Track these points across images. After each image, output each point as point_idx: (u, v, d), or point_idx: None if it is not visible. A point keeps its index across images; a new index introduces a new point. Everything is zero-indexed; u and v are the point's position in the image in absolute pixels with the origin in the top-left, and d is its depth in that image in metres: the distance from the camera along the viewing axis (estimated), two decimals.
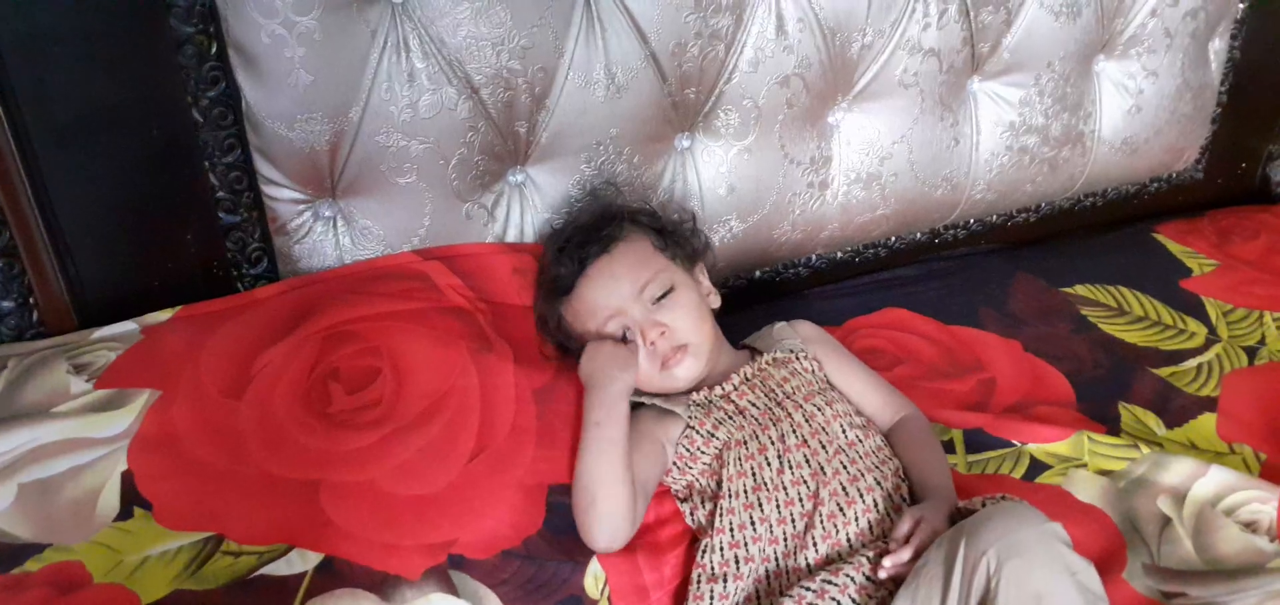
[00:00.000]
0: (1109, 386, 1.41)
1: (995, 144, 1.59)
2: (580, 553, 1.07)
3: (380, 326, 1.15)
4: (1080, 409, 1.37)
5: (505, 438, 1.11)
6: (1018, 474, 1.25)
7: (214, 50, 1.11)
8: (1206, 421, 1.36)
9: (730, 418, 1.15)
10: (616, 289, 1.17)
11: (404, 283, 1.21)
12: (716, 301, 1.26)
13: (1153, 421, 1.35)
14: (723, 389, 1.18)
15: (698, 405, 1.17)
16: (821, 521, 1.06)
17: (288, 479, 1.03)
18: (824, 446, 1.12)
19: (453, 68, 1.18)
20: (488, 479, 1.08)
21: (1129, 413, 1.36)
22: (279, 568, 0.97)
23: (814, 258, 1.58)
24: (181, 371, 1.09)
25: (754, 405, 1.17)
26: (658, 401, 1.18)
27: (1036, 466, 1.25)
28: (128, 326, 1.14)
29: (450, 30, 1.17)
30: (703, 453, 1.13)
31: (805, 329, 1.30)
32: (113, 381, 1.07)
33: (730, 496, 1.09)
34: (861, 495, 1.08)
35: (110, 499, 0.99)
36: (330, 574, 0.98)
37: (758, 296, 1.54)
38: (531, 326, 1.23)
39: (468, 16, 1.18)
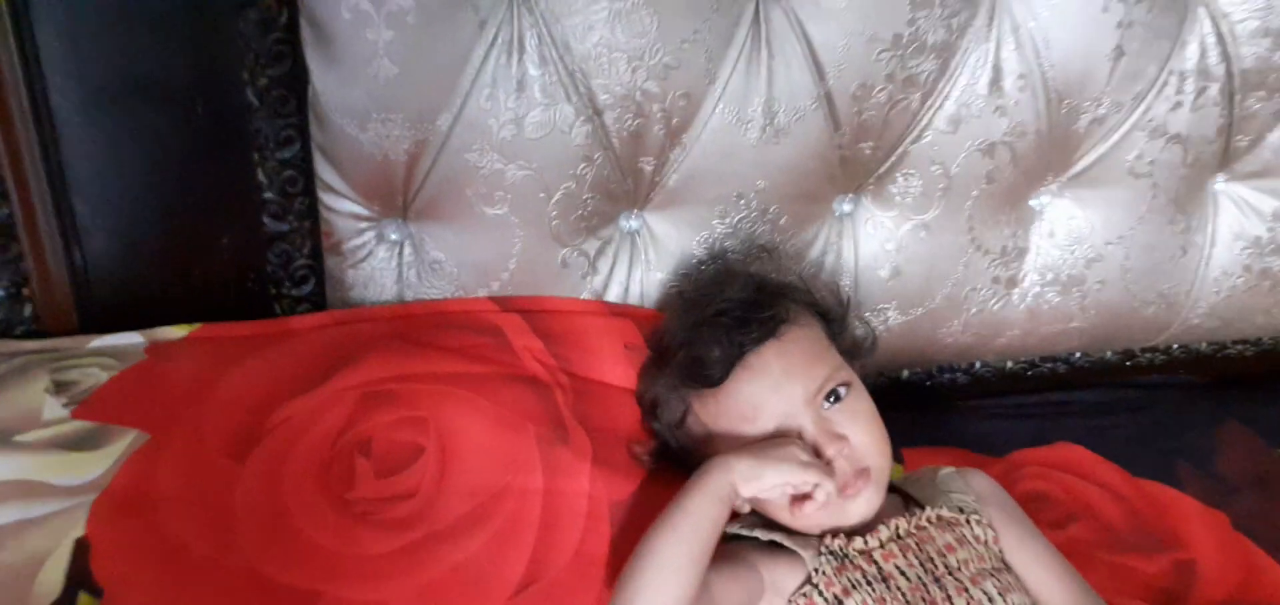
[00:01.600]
0: None
1: (1231, 261, 1.17)
2: None
3: (433, 392, 0.84)
4: None
5: (566, 566, 0.79)
6: None
7: (283, 19, 0.83)
8: None
9: (869, 583, 0.78)
10: (788, 386, 0.81)
11: (472, 337, 0.89)
12: None
13: None
14: (866, 542, 0.81)
15: (830, 555, 0.80)
16: None
17: (280, 584, 0.72)
18: None
19: (574, 81, 0.86)
20: None
21: None
22: None
23: (979, 365, 1.21)
24: (182, 412, 0.80)
25: (904, 574, 0.79)
26: (778, 537, 0.81)
27: None
28: (132, 339, 0.86)
29: (579, 34, 0.85)
30: None
31: (980, 483, 0.92)
32: (95, 412, 0.79)
33: None
34: None
35: (53, 575, 0.70)
36: None
37: (900, 400, 1.16)
38: (622, 415, 0.89)
39: (603, 18, 0.85)
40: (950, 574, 0.80)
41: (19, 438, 0.76)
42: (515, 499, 0.80)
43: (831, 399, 0.81)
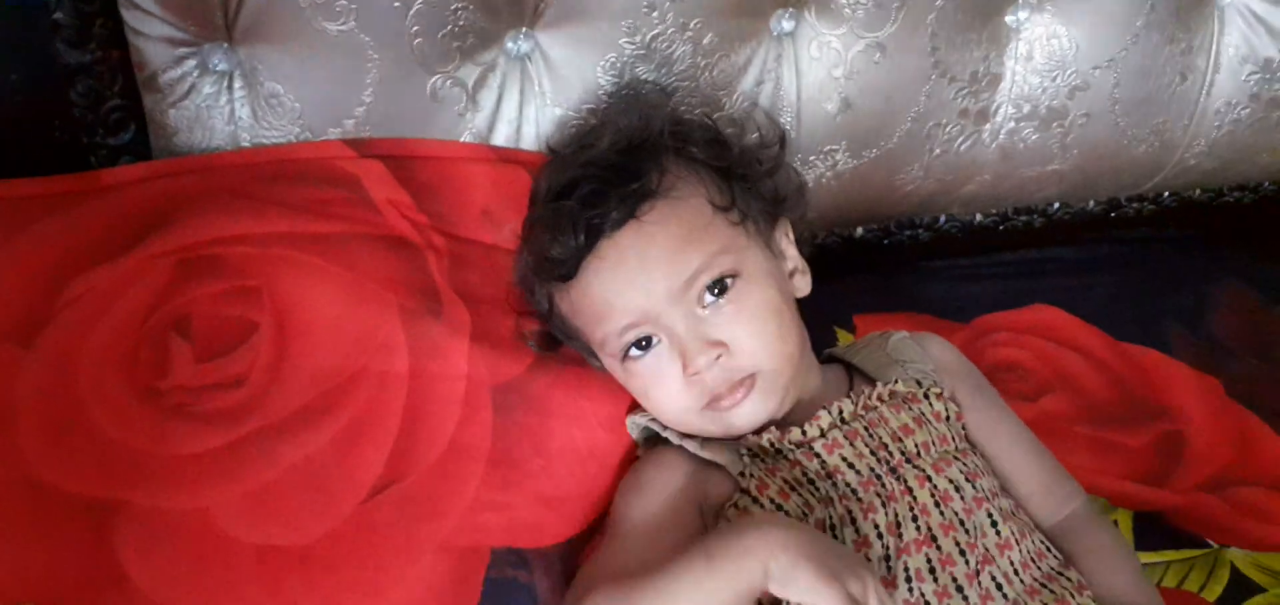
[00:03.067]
0: None
1: (1235, 89, 1.09)
2: None
3: (270, 256, 0.73)
4: None
5: (435, 462, 0.70)
6: (1212, 595, 0.85)
7: None
8: None
9: (810, 481, 0.70)
10: (644, 280, 0.70)
11: (322, 189, 0.77)
12: (805, 287, 0.79)
13: None
14: (803, 433, 0.72)
15: (757, 455, 0.72)
16: None
17: (71, 495, 0.63)
18: (962, 551, 0.67)
19: None
20: (394, 530, 0.68)
21: None
22: None
23: (943, 219, 1.12)
24: None
25: (852, 466, 0.71)
26: (689, 445, 0.73)
27: (1240, 584, 0.85)
28: None
29: None
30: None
31: (939, 350, 0.83)
32: None
33: None
34: None
35: None
36: None
37: (853, 262, 1.10)
38: (509, 282, 0.79)
39: None
40: (908, 461, 0.72)
41: None
42: (372, 385, 0.71)
43: (716, 290, 0.71)
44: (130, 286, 0.70)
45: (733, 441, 0.73)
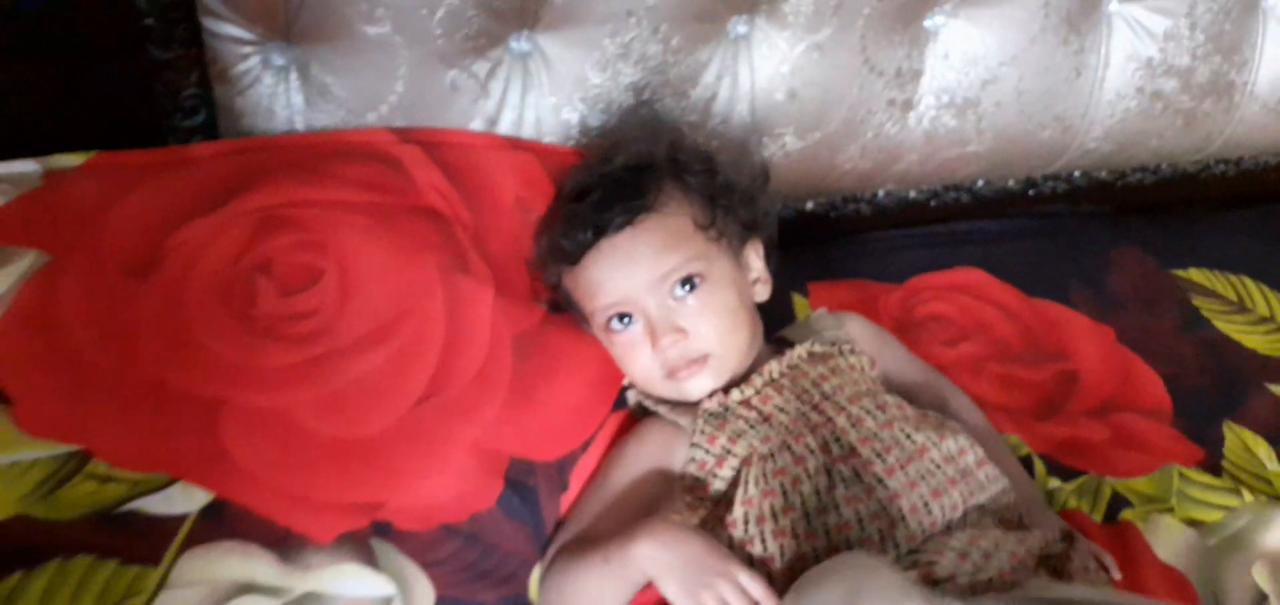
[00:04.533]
0: (1216, 400, 1.20)
1: (1124, 83, 1.33)
2: (533, 546, 0.88)
3: (332, 218, 0.94)
4: (1176, 424, 1.16)
5: (468, 384, 0.91)
6: (1098, 513, 1.05)
7: None
8: None
9: (753, 427, 0.93)
10: (630, 272, 0.94)
11: (371, 166, 0.99)
12: (765, 292, 1.03)
13: (1264, 451, 1.14)
14: (742, 392, 0.95)
15: (709, 415, 0.94)
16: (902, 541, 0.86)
17: (185, 393, 0.84)
18: (879, 454, 0.90)
19: None
20: (437, 430, 0.89)
21: (1235, 436, 1.15)
22: (155, 504, 0.80)
23: (881, 194, 1.35)
24: (81, 235, 0.90)
25: (783, 410, 0.94)
26: (661, 410, 0.97)
27: (1116, 504, 1.06)
28: (27, 167, 0.94)
29: None
30: (717, 475, 0.91)
31: (855, 327, 1.08)
32: None
33: (746, 523, 0.86)
34: (946, 512, 0.88)
35: None
36: (218, 520, 0.81)
37: (805, 233, 1.31)
38: (523, 249, 1.01)
39: None
40: (826, 399, 0.95)
41: None
42: (418, 321, 0.92)
43: (686, 285, 0.94)
44: (220, 236, 0.90)
45: (691, 407, 0.96)
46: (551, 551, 0.91)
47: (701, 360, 0.95)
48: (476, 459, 0.90)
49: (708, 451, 0.92)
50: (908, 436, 0.92)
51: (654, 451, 0.95)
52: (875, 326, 1.11)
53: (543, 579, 0.90)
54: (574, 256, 0.96)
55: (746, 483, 0.88)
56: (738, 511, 0.87)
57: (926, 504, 0.87)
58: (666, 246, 0.94)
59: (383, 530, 0.84)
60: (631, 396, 1.02)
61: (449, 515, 0.87)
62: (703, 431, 0.93)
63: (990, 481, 0.93)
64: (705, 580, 0.81)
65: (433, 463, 0.88)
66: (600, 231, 0.95)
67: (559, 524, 0.94)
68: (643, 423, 0.98)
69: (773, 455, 0.90)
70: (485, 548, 0.87)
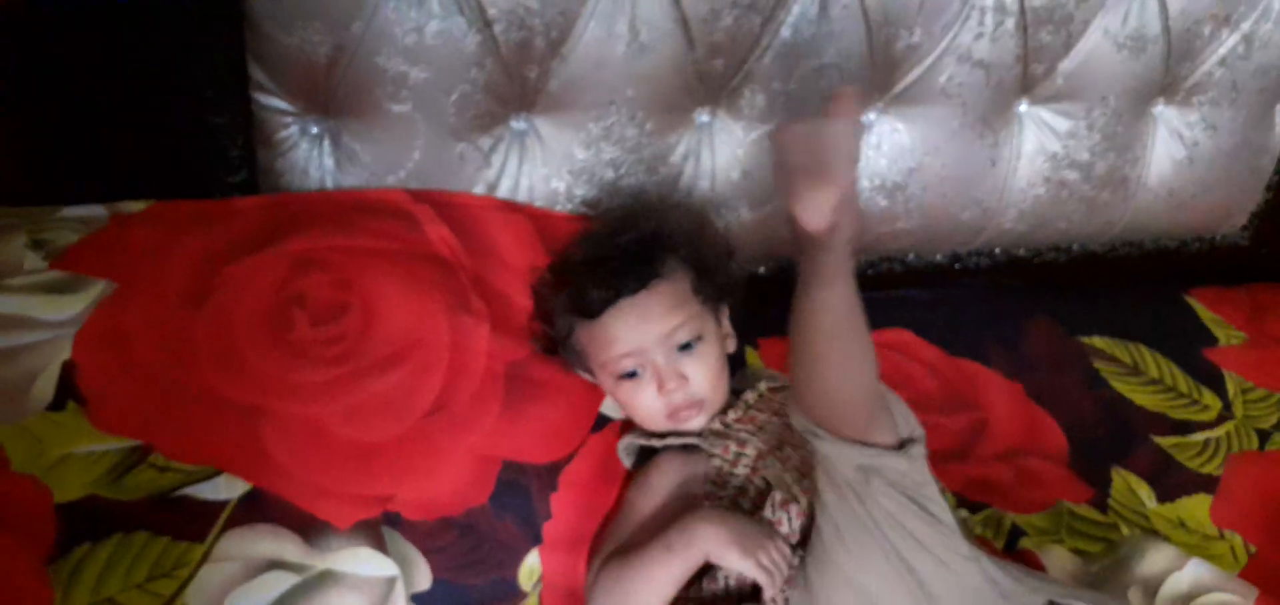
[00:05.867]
0: (1107, 447, 1.36)
1: (1034, 173, 1.50)
2: (521, 539, 1.03)
3: (357, 261, 1.10)
4: (1072, 466, 1.32)
5: (467, 401, 1.07)
6: (1000, 542, 1.21)
7: None
8: (1201, 502, 1.31)
9: (752, 435, 1.11)
10: (644, 330, 1.10)
11: (389, 220, 1.16)
12: (732, 347, 1.20)
13: (1145, 492, 1.30)
14: (735, 413, 1.13)
15: (716, 433, 1.12)
16: None
17: (231, 400, 0.99)
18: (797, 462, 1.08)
19: None
20: (441, 438, 1.04)
21: (1121, 479, 1.31)
22: (203, 490, 0.95)
23: None
24: (143, 268, 1.05)
25: (770, 422, 1.13)
26: (671, 441, 1.13)
27: (1015, 534, 1.21)
28: (96, 210, 1.09)
29: None
30: (734, 473, 1.09)
31: (783, 377, 1.24)
32: (69, 264, 1.03)
33: (772, 507, 1.04)
34: None
35: (46, 386, 0.96)
36: (255, 506, 0.96)
37: (758, 295, 1.40)
38: (516, 294, 1.17)
39: None
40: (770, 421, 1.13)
41: (7, 282, 1.00)
42: (427, 348, 1.08)
43: (685, 347, 1.11)
44: (263, 273, 1.06)
45: (694, 433, 1.12)
46: (596, 565, 1.06)
47: (699, 404, 1.11)
48: (473, 462, 1.05)
49: (724, 459, 1.10)
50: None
51: (675, 473, 1.12)
52: None
53: (593, 585, 1.04)
54: (594, 312, 1.11)
55: (766, 468, 1.06)
56: (779, 494, 1.04)
57: None
58: (673, 308, 1.11)
59: (392, 520, 0.99)
60: (625, 451, 1.16)
61: (448, 509, 1.02)
62: (717, 443, 1.11)
63: None
64: (758, 543, 1.00)
65: (436, 464, 1.03)
66: (619, 293, 1.10)
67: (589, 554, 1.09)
68: (658, 457, 1.14)
69: (778, 448, 1.09)
70: (479, 538, 1.01)
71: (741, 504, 1.07)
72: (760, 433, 1.11)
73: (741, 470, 1.09)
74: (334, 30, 1.10)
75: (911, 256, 1.56)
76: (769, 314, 1.39)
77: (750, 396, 1.15)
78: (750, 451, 1.09)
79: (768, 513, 1.04)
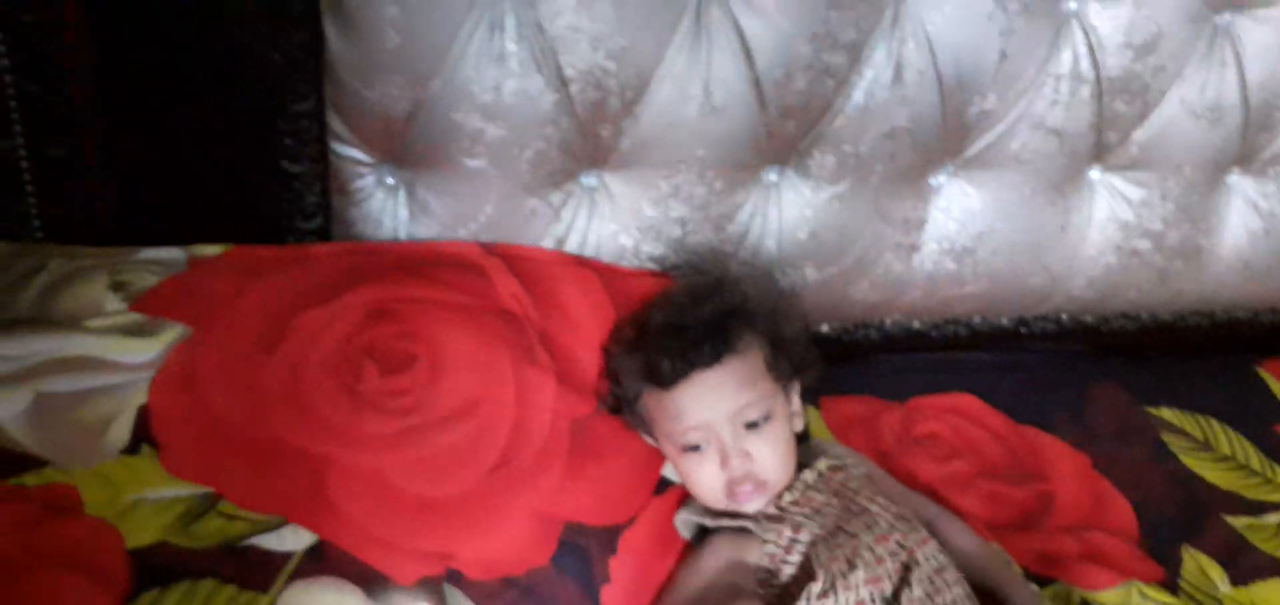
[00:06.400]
0: (1177, 526, 1.30)
1: (1104, 241, 1.47)
2: (582, 600, 1.01)
3: (427, 312, 1.09)
4: (1141, 545, 1.27)
5: (532, 458, 1.05)
6: None
7: None
8: (1277, 588, 1.24)
9: (808, 518, 1.07)
10: (714, 405, 1.07)
11: (460, 273, 1.15)
12: (800, 425, 1.16)
13: (1217, 574, 1.25)
14: (791, 496, 1.09)
15: (770, 518, 1.08)
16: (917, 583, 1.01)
17: (300, 449, 0.98)
18: (911, 529, 1.05)
19: (545, 56, 1.12)
20: (504, 496, 1.02)
21: (1193, 559, 1.26)
22: (270, 540, 0.94)
23: (888, 323, 1.48)
24: (218, 313, 1.05)
25: (828, 505, 1.09)
26: (724, 522, 1.09)
27: None
28: (174, 253, 1.10)
29: (550, 16, 1.11)
30: (787, 562, 1.05)
31: (844, 449, 1.21)
32: (148, 307, 1.03)
33: (825, 594, 1.01)
34: (951, 585, 1.02)
35: (121, 430, 0.96)
36: (320, 559, 0.94)
37: (822, 354, 1.38)
38: (582, 349, 1.15)
39: (571, 4, 1.11)
40: (856, 494, 1.09)
41: (87, 323, 1.01)
42: (492, 403, 1.06)
43: (753, 425, 1.07)
44: (335, 322, 1.05)
45: (748, 516, 1.08)
46: None
47: (762, 484, 1.08)
48: (535, 521, 1.03)
49: (777, 543, 1.05)
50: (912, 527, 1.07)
51: (726, 557, 1.07)
52: (862, 456, 1.23)
53: None
54: (667, 383, 1.08)
55: (817, 560, 1.02)
56: (818, 584, 1.00)
57: (940, 569, 1.03)
58: (745, 385, 1.08)
59: (455, 578, 0.97)
60: (683, 525, 1.12)
61: (510, 569, 1.00)
62: (770, 529, 1.06)
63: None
64: None
65: (499, 522, 1.01)
66: (692, 366, 1.07)
67: None
68: (711, 539, 1.10)
69: (832, 535, 1.04)
70: (539, 600, 0.99)
71: (793, 593, 1.03)
72: (816, 517, 1.07)
73: (795, 558, 1.05)
74: (414, 86, 1.11)
75: (977, 320, 1.53)
76: (832, 374, 1.39)
77: (809, 476, 1.11)
78: (805, 536, 1.05)
79: (802, 603, 1.01)
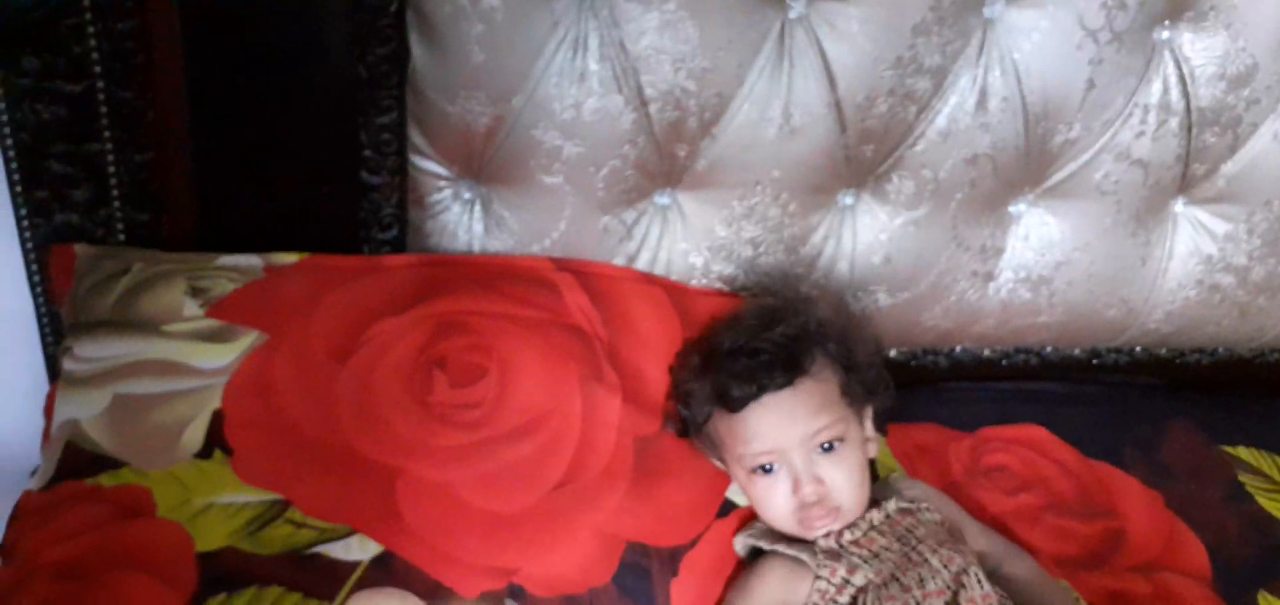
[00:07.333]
0: (1253, 571, 1.22)
1: (1185, 274, 1.39)
2: None
3: (497, 327, 1.07)
4: (1214, 587, 1.19)
5: (596, 476, 1.02)
6: None
7: (392, 8, 1.05)
8: None
9: (866, 562, 1.01)
10: (787, 429, 1.02)
11: (531, 287, 1.12)
12: (874, 452, 1.12)
13: None
14: (853, 534, 1.04)
15: (828, 553, 1.03)
16: None
17: (369, 459, 0.97)
18: (965, 587, 0.98)
19: (627, 76, 1.09)
20: (568, 513, 1.00)
21: None
22: (336, 550, 0.92)
23: (959, 350, 1.42)
24: (293, 321, 1.04)
25: (889, 550, 1.03)
26: (780, 547, 1.04)
27: None
28: (252, 260, 1.09)
29: (634, 36, 1.07)
30: (837, 602, 1.00)
31: (921, 489, 1.15)
32: (224, 314, 1.03)
33: None
34: None
35: (196, 434, 0.95)
36: (385, 569, 0.93)
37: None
38: (649, 367, 1.12)
39: (654, 25, 1.07)
40: (920, 543, 1.03)
41: (165, 327, 1.00)
42: (559, 419, 1.03)
43: (827, 447, 1.03)
44: (407, 333, 1.04)
45: (808, 545, 1.04)
46: None
47: (835, 511, 1.03)
48: (598, 540, 1.00)
49: (830, 582, 1.00)
50: (980, 583, 1.00)
51: (777, 585, 1.02)
52: (940, 493, 1.17)
53: None
54: (738, 406, 1.04)
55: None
56: None
57: None
58: (818, 409, 1.03)
59: (517, 593, 0.95)
60: (741, 545, 1.08)
61: (572, 587, 0.97)
62: (825, 565, 1.01)
63: None
64: None
65: (562, 539, 0.98)
66: (763, 389, 1.03)
67: None
68: (763, 560, 1.05)
69: (885, 585, 0.99)
70: None
71: None
72: (874, 560, 1.01)
73: (843, 600, 0.99)
74: (495, 102, 1.08)
75: (1048, 349, 1.46)
76: (899, 399, 1.32)
77: (876, 516, 1.05)
78: (858, 580, 1.00)
79: None
